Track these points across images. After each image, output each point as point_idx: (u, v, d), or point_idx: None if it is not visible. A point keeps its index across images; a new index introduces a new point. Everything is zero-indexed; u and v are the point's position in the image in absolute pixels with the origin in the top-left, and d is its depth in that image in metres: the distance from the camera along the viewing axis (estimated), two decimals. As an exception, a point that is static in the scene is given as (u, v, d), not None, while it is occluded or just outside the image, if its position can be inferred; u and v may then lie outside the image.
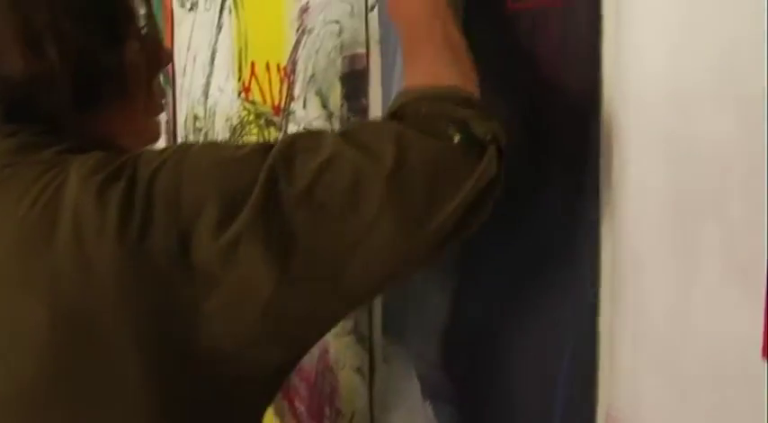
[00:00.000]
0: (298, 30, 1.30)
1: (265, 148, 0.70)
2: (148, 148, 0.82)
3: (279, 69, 1.35)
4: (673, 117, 0.78)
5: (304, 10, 1.28)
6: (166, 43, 1.68)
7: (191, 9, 1.60)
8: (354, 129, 0.77)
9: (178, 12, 1.64)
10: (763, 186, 0.67)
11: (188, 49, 1.61)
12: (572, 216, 0.84)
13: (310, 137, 0.73)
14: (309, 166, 0.68)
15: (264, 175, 0.67)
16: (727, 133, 0.74)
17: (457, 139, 0.73)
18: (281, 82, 1.34)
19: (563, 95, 0.89)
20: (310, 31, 1.27)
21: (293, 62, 1.31)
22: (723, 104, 0.73)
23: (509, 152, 0.77)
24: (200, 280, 0.67)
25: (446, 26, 0.87)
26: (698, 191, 0.75)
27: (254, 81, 1.41)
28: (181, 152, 0.71)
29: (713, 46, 0.74)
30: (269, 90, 1.37)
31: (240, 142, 1.43)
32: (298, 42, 1.30)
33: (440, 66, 0.82)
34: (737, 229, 0.68)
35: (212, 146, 0.74)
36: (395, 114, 0.76)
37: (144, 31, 0.80)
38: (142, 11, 0.81)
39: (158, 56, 0.83)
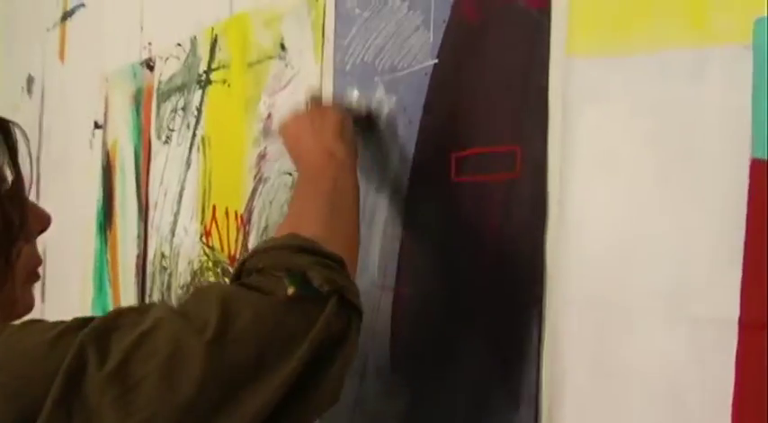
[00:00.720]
0: (255, 177, 1.22)
1: (77, 326, 0.63)
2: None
3: (237, 217, 1.27)
4: (617, 329, 0.69)
5: (261, 156, 1.21)
6: (142, 175, 1.62)
7: (165, 142, 1.54)
8: (188, 296, 0.70)
9: (155, 143, 1.58)
10: None
11: (160, 182, 1.55)
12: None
13: (139, 309, 0.67)
14: (125, 342, 0.61)
15: (69, 362, 0.60)
16: (676, 354, 0.64)
17: (291, 291, 0.66)
18: (238, 231, 1.26)
19: (501, 282, 0.80)
20: (266, 180, 1.20)
21: (249, 211, 1.23)
22: (674, 325, 0.64)
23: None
24: None
25: (339, 172, 0.85)
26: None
27: (214, 226, 1.33)
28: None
29: (664, 258, 0.66)
30: (227, 237, 1.29)
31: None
32: (254, 191, 1.22)
33: (309, 216, 0.79)
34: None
35: (24, 329, 0.66)
36: (238, 272, 0.71)
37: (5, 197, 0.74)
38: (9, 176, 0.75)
39: (21, 224, 0.75)
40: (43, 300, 2.20)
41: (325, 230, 0.76)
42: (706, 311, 0.63)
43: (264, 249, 0.72)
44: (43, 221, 0.83)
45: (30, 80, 2.43)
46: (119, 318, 0.65)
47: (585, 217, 0.72)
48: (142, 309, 0.66)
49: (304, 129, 0.92)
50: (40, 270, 0.84)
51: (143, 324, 0.63)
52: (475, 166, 0.85)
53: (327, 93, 1.07)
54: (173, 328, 0.63)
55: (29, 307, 0.81)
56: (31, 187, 0.79)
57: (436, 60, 0.91)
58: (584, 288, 0.71)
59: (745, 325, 0.60)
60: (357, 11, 1.04)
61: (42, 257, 2.20)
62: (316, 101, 1.00)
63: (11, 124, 0.77)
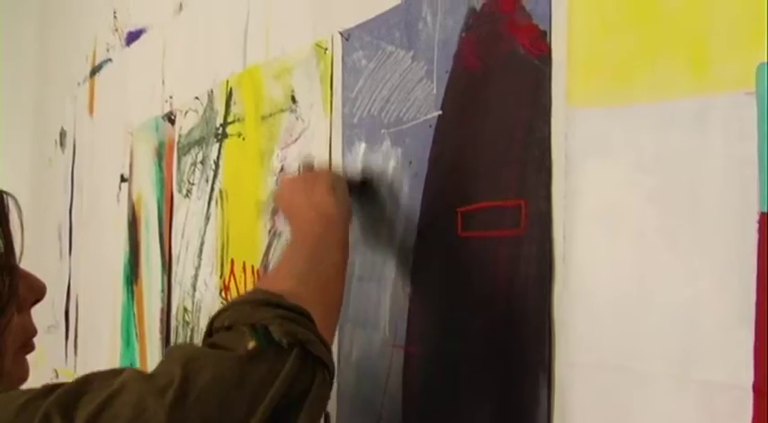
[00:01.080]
0: (270, 231, 1.21)
1: (44, 393, 0.62)
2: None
3: (253, 271, 1.25)
4: (627, 394, 0.65)
5: (276, 211, 1.20)
6: (165, 229, 1.62)
7: (186, 195, 1.54)
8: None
9: (176, 197, 1.58)
10: None
11: (182, 236, 1.54)
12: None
13: (110, 373, 0.65)
14: (90, 407, 0.60)
15: None
16: (688, 421, 0.60)
17: (251, 345, 0.65)
18: (254, 285, 1.24)
19: (509, 343, 0.77)
20: (280, 235, 1.18)
21: (265, 266, 1.21)
22: (685, 390, 0.61)
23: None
24: None
25: (325, 227, 0.85)
26: None
27: (232, 280, 1.32)
28: None
29: (672, 319, 0.62)
30: (244, 292, 1.27)
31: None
32: (269, 245, 1.21)
33: (284, 271, 0.80)
34: None
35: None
36: (209, 331, 0.71)
37: None
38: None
39: (10, 294, 0.75)
40: (76, 353, 2.21)
41: (298, 284, 0.75)
42: (717, 376, 0.59)
43: (230, 306, 0.71)
44: (37, 292, 0.82)
45: (62, 134, 2.47)
46: (87, 383, 0.64)
47: (590, 275, 0.69)
48: (113, 372, 0.65)
49: (296, 189, 0.92)
50: (36, 340, 0.83)
51: (110, 388, 0.62)
52: (481, 221, 0.82)
53: (322, 157, 1.07)
54: (137, 390, 0.61)
55: (22, 379, 0.80)
56: (22, 256, 0.78)
57: (440, 112, 0.89)
58: (592, 350, 0.68)
59: (759, 391, 0.56)
60: (363, 62, 1.02)
61: (75, 311, 2.22)
62: (308, 166, 1.00)
63: (2, 193, 0.77)
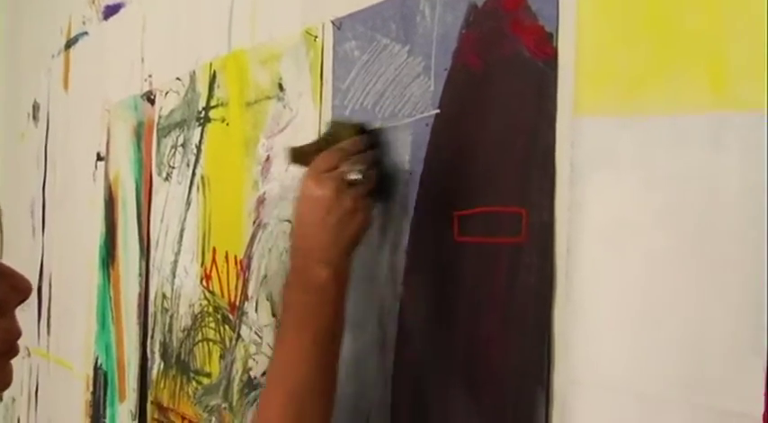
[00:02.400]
0: (254, 222, 1.18)
1: None
2: None
3: (236, 262, 1.22)
4: (632, 417, 0.63)
5: (261, 201, 1.17)
6: (143, 211, 1.58)
7: (166, 179, 1.50)
8: None
9: (156, 179, 1.54)
10: None
11: (161, 220, 1.51)
12: None
13: None
14: None
15: None
16: None
17: None
18: (238, 276, 1.21)
19: (505, 354, 0.75)
20: (265, 227, 1.15)
21: (249, 257, 1.18)
22: (693, 417, 0.59)
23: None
24: None
25: (318, 309, 0.86)
26: None
27: (214, 270, 1.29)
28: None
29: (681, 343, 0.60)
30: (227, 283, 1.24)
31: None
32: (253, 236, 1.18)
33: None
34: None
35: None
36: None
37: None
38: None
39: None
40: (49, 333, 2.17)
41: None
42: (727, 403, 0.57)
43: None
44: (22, 293, 0.76)
45: (35, 107, 2.40)
46: None
47: (595, 292, 0.67)
48: None
49: (312, 226, 0.87)
50: (20, 342, 0.78)
51: None
52: (479, 226, 0.79)
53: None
54: None
55: (5, 385, 0.75)
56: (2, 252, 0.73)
57: (438, 110, 0.86)
58: (597, 369, 0.66)
59: (772, 423, 0.55)
60: (356, 53, 0.99)
61: (48, 290, 2.17)
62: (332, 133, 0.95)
63: None
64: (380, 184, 0.91)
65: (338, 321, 0.87)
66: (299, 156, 0.97)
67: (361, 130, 0.93)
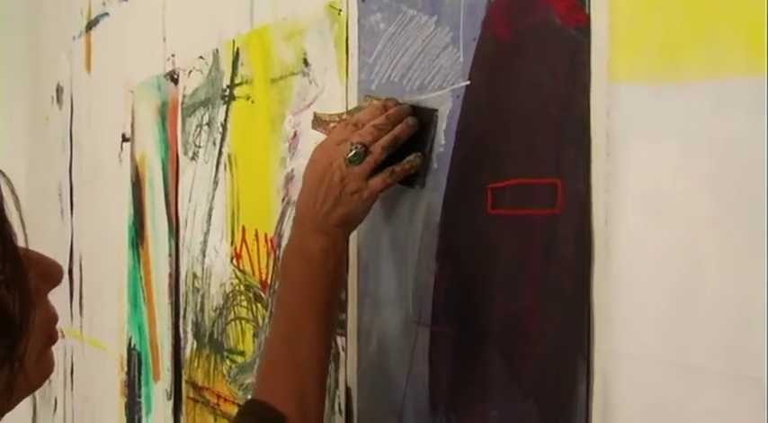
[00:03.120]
0: (283, 200, 1.17)
1: None
2: None
3: (267, 240, 1.22)
4: (674, 388, 0.62)
5: (289, 179, 1.16)
6: (171, 191, 1.58)
7: (192, 158, 1.50)
8: None
9: (182, 159, 1.54)
10: None
11: (189, 199, 1.51)
12: None
13: None
14: None
15: None
16: (739, 420, 0.58)
17: None
18: (268, 255, 1.21)
19: (543, 327, 0.74)
20: (294, 204, 1.14)
21: (279, 235, 1.18)
22: (736, 387, 0.58)
23: None
24: None
25: (312, 276, 0.89)
26: None
27: (244, 248, 1.29)
28: None
29: (724, 313, 0.59)
30: (257, 261, 1.24)
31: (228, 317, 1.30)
32: (283, 214, 1.17)
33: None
34: None
35: None
36: None
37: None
38: None
39: (23, 313, 0.63)
40: (81, 314, 2.19)
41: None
42: (774, 374, 0.56)
43: None
44: (53, 278, 0.71)
45: (59, 89, 2.41)
46: None
47: (635, 263, 0.65)
48: None
49: (310, 194, 0.90)
50: (59, 326, 0.76)
51: None
52: (513, 198, 0.78)
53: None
54: None
55: (45, 376, 0.70)
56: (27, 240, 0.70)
57: (468, 82, 0.85)
58: (637, 340, 0.65)
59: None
60: (382, 26, 0.97)
61: (78, 271, 2.18)
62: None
63: None
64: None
65: (333, 292, 0.90)
66: (322, 123, 0.98)
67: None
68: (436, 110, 0.88)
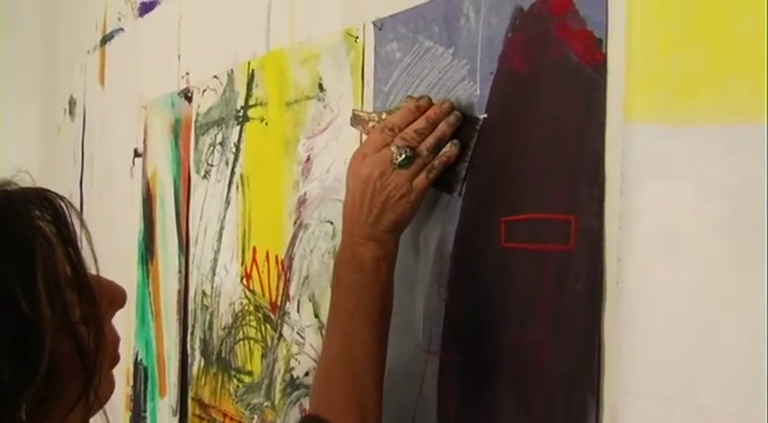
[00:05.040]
0: (295, 223, 1.18)
1: None
2: None
3: (277, 262, 1.23)
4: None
5: (302, 202, 1.17)
6: (182, 209, 1.59)
7: (204, 177, 1.51)
8: None
9: (194, 177, 1.55)
10: None
11: (200, 217, 1.52)
12: None
13: None
14: None
15: None
16: None
17: None
18: (279, 277, 1.22)
19: (553, 361, 0.75)
20: (306, 227, 1.16)
21: (290, 258, 1.19)
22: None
23: None
24: None
25: (364, 285, 0.88)
26: None
27: (254, 269, 1.29)
28: None
29: (739, 356, 0.59)
30: (267, 282, 1.25)
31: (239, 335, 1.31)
32: (295, 237, 1.18)
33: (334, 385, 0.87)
34: None
35: None
36: None
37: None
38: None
39: (97, 346, 0.65)
40: (88, 326, 2.19)
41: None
42: (787, 418, 0.57)
43: None
44: (118, 301, 0.72)
45: (72, 102, 2.43)
46: None
47: (647, 302, 0.66)
48: None
49: (356, 205, 0.89)
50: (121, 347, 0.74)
51: None
52: (526, 232, 0.79)
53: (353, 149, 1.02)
54: None
55: (111, 392, 0.72)
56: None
57: (485, 115, 0.86)
58: (648, 379, 0.66)
59: (834, 439, 0.54)
60: (398, 55, 0.99)
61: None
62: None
63: (58, 200, 0.67)
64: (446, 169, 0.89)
65: (387, 300, 0.88)
66: (361, 121, 0.97)
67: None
68: (480, 118, 0.87)
